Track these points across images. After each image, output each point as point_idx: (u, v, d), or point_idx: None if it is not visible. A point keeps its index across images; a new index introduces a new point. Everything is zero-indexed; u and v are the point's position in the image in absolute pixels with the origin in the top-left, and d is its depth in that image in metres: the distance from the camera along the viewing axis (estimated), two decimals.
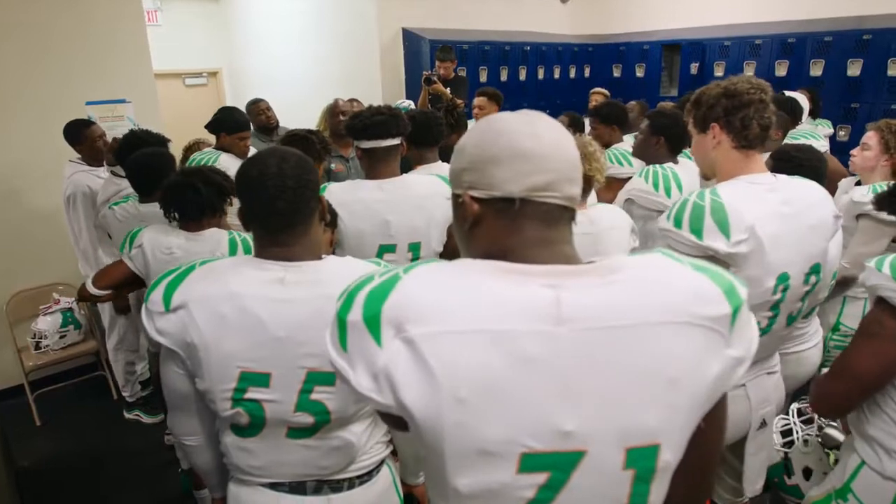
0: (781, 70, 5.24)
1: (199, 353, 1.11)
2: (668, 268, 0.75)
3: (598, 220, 1.99)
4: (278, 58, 6.23)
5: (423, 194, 1.96)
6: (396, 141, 1.93)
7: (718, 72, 5.63)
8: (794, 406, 1.99)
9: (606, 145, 3.04)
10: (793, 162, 1.93)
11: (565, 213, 0.76)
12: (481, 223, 0.76)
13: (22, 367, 3.30)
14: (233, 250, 1.93)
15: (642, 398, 0.70)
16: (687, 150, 2.71)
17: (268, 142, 3.98)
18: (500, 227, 0.75)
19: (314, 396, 1.14)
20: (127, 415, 3.32)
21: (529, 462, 0.69)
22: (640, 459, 0.71)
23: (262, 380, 1.13)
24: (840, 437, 1.66)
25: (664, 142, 2.49)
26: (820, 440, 1.74)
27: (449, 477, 0.70)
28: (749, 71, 5.43)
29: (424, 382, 0.66)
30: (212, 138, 3.37)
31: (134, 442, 3.12)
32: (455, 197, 0.80)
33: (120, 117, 3.87)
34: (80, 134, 3.18)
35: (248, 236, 2.02)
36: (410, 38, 5.23)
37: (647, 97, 5.78)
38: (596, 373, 0.69)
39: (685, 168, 2.54)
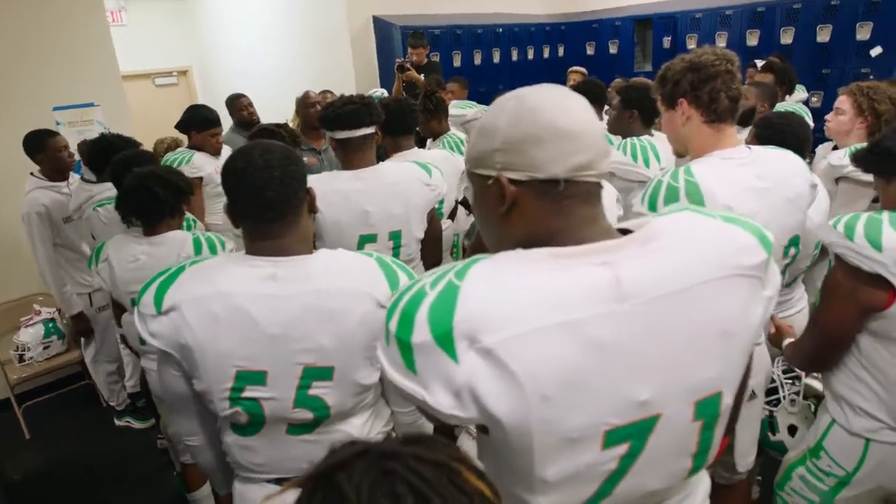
0: (753, 39, 5.27)
1: (193, 354, 1.10)
2: (703, 224, 0.78)
3: None
4: (249, 52, 6.14)
5: (399, 181, 1.95)
6: (370, 130, 1.91)
7: (691, 44, 5.64)
8: (780, 361, 2.03)
9: None
10: (774, 128, 1.91)
11: (600, 189, 0.76)
12: (519, 206, 0.74)
13: (7, 380, 3.25)
14: (197, 250, 1.93)
15: (703, 354, 0.73)
16: None
17: (247, 137, 3.94)
18: (544, 209, 0.73)
19: (312, 392, 1.14)
20: (118, 422, 3.29)
21: (612, 437, 0.71)
22: (707, 408, 0.76)
23: (259, 378, 1.12)
24: (819, 386, 1.69)
25: (637, 115, 2.50)
26: (803, 397, 1.77)
27: (536, 470, 0.70)
28: (721, 42, 5.45)
29: (509, 389, 0.65)
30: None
31: (126, 448, 3.10)
32: (481, 179, 0.76)
33: (89, 122, 3.79)
34: (42, 144, 2.98)
35: (214, 235, 2.01)
36: (381, 26, 5.18)
37: (621, 73, 5.77)
38: (661, 340, 0.71)
39: (660, 139, 2.55)
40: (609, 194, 2.13)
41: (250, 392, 1.13)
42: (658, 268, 0.71)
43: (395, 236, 1.96)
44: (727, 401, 0.77)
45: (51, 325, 3.38)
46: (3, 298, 3.45)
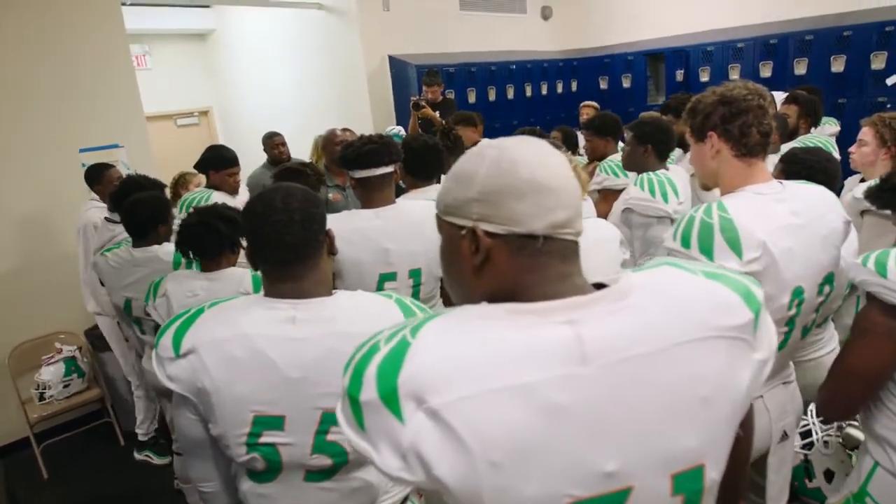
0: (766, 71, 5.29)
1: (210, 397, 1.09)
2: (681, 280, 0.74)
3: (584, 236, 1.98)
4: (267, 92, 6.29)
5: (419, 219, 1.95)
6: (390, 169, 1.93)
7: (704, 77, 5.69)
8: (812, 407, 1.97)
9: (601, 157, 3.06)
10: (802, 164, 1.89)
11: (576, 247, 0.74)
12: (492, 259, 0.71)
13: (27, 419, 3.26)
14: (256, 287, 1.93)
15: (680, 422, 0.68)
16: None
17: None
18: (518, 264, 0.70)
19: (331, 437, 1.12)
20: (137, 455, 3.28)
21: None
22: (687, 482, 0.69)
23: (277, 423, 1.10)
24: (860, 435, 1.63)
25: (652, 150, 2.50)
26: (840, 440, 1.71)
27: None
28: (734, 74, 5.48)
29: (456, 453, 0.62)
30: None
31: (143, 487, 3.07)
32: (453, 228, 0.73)
33: (115, 162, 3.89)
34: (99, 176, 3.30)
35: None
36: (396, 65, 5.29)
37: (635, 107, 5.84)
38: (629, 406, 0.66)
39: (677, 173, 2.54)
40: (610, 239, 2.12)
41: (268, 437, 1.11)
42: (628, 327, 0.67)
43: (415, 274, 1.96)
44: (712, 475, 0.71)
45: (71, 363, 3.41)
46: (25, 337, 3.49)
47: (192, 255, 1.97)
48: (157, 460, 3.23)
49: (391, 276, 1.92)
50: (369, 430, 0.65)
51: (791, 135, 3.29)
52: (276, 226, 1.10)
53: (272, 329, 1.10)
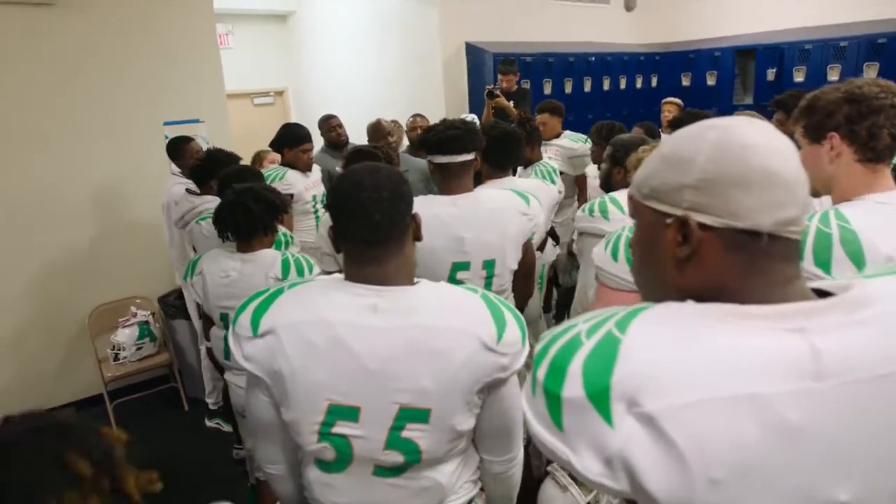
0: (871, 73, 4.89)
1: (285, 381, 1.06)
2: None
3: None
4: (342, 75, 6.35)
5: (496, 209, 1.89)
6: (471, 156, 1.87)
7: (798, 77, 5.33)
8: None
9: None
10: None
11: (797, 246, 0.66)
12: (701, 254, 0.64)
13: (102, 377, 3.43)
14: (285, 271, 1.94)
15: None
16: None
17: (338, 157, 4.04)
18: (732, 263, 0.63)
19: (405, 434, 1.07)
20: (208, 422, 3.38)
21: None
22: None
23: (351, 414, 1.06)
24: None
25: None
26: None
27: None
28: (833, 76, 5.11)
29: (671, 465, 0.55)
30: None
31: (205, 452, 3.17)
32: (656, 215, 0.67)
33: (195, 136, 4.00)
34: (179, 149, 3.39)
35: (303, 257, 2.02)
36: (473, 52, 5.21)
37: (719, 105, 5.55)
38: (867, 431, 0.58)
39: None
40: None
41: (341, 428, 1.07)
42: (867, 342, 0.58)
43: (489, 265, 1.89)
44: None
45: (145, 327, 3.55)
46: (105, 299, 3.66)
47: (228, 235, 1.99)
48: (226, 427, 3.31)
49: (464, 266, 1.87)
50: (568, 429, 0.59)
51: None
52: (364, 202, 1.05)
53: (353, 316, 1.05)
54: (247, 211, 1.91)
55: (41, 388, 3.49)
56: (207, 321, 2.16)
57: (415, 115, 4.13)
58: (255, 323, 1.08)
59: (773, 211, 0.61)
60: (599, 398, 0.57)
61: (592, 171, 3.42)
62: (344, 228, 1.10)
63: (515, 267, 1.96)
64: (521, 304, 2.15)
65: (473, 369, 1.04)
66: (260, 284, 1.92)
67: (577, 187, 3.83)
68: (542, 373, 0.62)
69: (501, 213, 1.88)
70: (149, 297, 3.76)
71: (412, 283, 1.12)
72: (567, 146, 3.83)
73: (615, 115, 6.01)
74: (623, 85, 6.12)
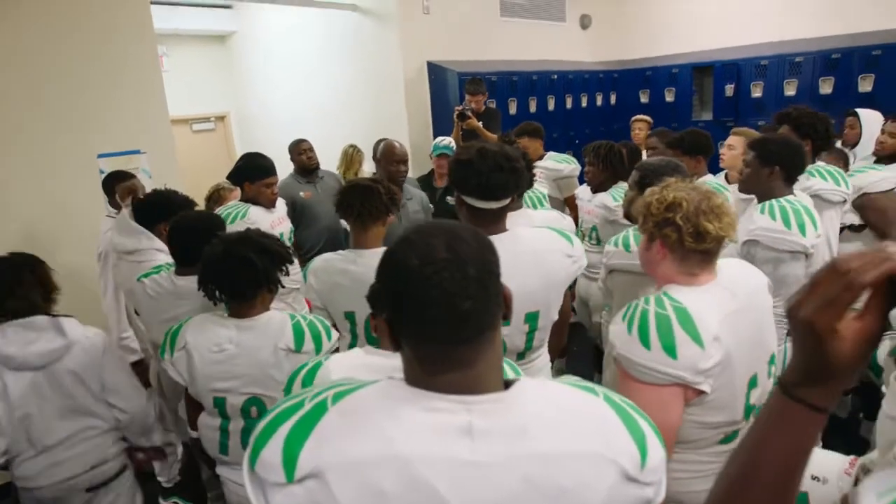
0: (826, 87, 4.98)
1: None
2: None
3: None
4: (291, 98, 5.94)
5: (538, 250, 1.60)
6: (510, 198, 1.57)
7: (756, 92, 5.38)
8: None
9: None
10: None
11: None
12: None
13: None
14: (299, 341, 1.57)
15: None
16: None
17: (304, 182, 3.69)
18: None
19: None
20: (163, 503, 2.89)
21: None
22: None
23: None
24: None
25: (779, 172, 2.15)
26: None
27: None
28: (790, 90, 5.18)
29: None
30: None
31: None
32: None
33: (135, 170, 3.53)
34: (111, 188, 2.96)
35: (316, 318, 1.65)
36: (436, 72, 4.95)
37: (678, 122, 5.52)
38: None
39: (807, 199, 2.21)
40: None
41: None
42: None
43: (532, 318, 1.60)
44: None
45: None
46: None
47: (219, 296, 1.60)
48: None
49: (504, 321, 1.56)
50: None
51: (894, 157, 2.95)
52: (446, 285, 0.73)
53: (437, 446, 0.73)
54: (249, 265, 1.54)
55: None
56: (194, 407, 1.73)
57: (390, 142, 3.68)
58: (289, 461, 0.73)
59: None
60: None
61: (584, 194, 3.20)
62: (413, 322, 0.76)
63: (556, 317, 1.67)
64: (553, 358, 1.86)
65: None
66: (268, 359, 1.54)
67: (566, 209, 3.61)
68: None
69: (544, 255, 1.60)
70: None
71: (502, 386, 0.80)
72: (552, 167, 3.62)
73: (578, 134, 5.93)
74: (584, 103, 6.03)
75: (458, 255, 0.74)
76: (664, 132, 3.46)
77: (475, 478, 0.72)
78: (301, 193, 3.65)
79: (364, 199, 1.87)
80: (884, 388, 1.94)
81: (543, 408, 0.78)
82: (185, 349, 1.60)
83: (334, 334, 1.64)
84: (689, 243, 1.29)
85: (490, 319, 0.77)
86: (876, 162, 2.99)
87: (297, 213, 3.52)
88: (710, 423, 1.28)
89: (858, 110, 3.44)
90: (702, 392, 1.22)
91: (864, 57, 4.78)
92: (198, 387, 1.61)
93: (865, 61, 4.78)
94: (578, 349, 3.58)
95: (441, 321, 0.73)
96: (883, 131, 2.99)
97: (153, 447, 2.04)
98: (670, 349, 1.19)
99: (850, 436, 2.42)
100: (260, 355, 1.56)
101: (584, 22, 6.37)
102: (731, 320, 1.23)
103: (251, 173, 2.97)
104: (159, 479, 2.89)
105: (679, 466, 1.29)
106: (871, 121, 3.27)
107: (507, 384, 0.80)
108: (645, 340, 1.21)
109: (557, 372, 2.94)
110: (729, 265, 1.41)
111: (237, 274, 1.54)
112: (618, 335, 1.26)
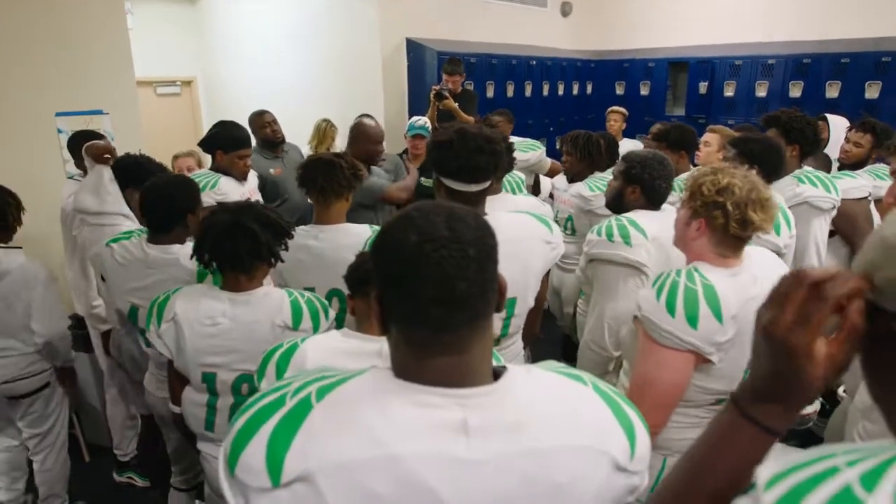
0: (796, 91, 5.11)
1: None
2: None
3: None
4: (263, 67, 5.76)
5: (517, 238, 1.57)
6: (490, 181, 1.55)
7: (728, 91, 5.48)
8: None
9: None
10: None
11: None
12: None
13: None
14: (297, 317, 1.52)
15: None
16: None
17: (272, 158, 3.55)
18: None
19: None
20: (118, 477, 2.81)
21: None
22: None
23: None
24: None
25: (758, 171, 2.18)
26: None
27: None
28: (761, 92, 5.29)
29: None
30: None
31: None
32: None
33: (96, 130, 3.36)
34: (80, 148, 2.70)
35: (314, 296, 1.60)
36: (415, 49, 4.87)
37: (651, 115, 5.59)
38: None
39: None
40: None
41: None
42: None
43: (510, 305, 1.59)
44: None
45: None
46: None
47: (216, 266, 1.54)
48: (140, 482, 2.77)
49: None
50: None
51: (857, 165, 3.03)
52: (445, 266, 0.69)
53: (432, 445, 0.69)
54: (251, 236, 1.48)
55: None
56: (178, 381, 1.65)
57: (362, 119, 3.58)
58: (274, 465, 0.68)
59: None
60: None
61: (560, 183, 3.21)
62: (407, 302, 0.72)
63: (532, 304, 1.67)
64: (526, 344, 1.87)
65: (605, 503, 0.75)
66: (264, 335, 1.49)
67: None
68: None
69: (524, 242, 1.58)
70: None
71: (491, 374, 0.77)
72: (520, 158, 3.59)
73: (553, 122, 5.93)
74: (561, 91, 6.03)
75: (458, 234, 0.71)
76: (749, 127, 3.24)
77: (471, 476, 0.70)
78: (271, 170, 3.52)
79: (326, 174, 1.83)
80: (841, 390, 2.02)
81: (535, 400, 0.76)
82: (174, 320, 1.52)
83: (331, 313, 1.60)
84: (733, 229, 1.36)
85: (484, 306, 0.74)
86: (839, 169, 3.07)
87: (267, 189, 3.41)
88: (710, 388, 1.40)
89: (828, 115, 3.53)
90: (709, 361, 1.35)
91: (833, 64, 4.91)
92: (186, 360, 1.54)
93: (834, 68, 4.91)
94: (545, 336, 3.61)
95: (435, 301, 0.70)
96: (847, 140, 3.06)
97: (63, 367, 2.33)
98: (693, 320, 1.31)
99: (806, 435, 2.49)
100: (255, 330, 1.50)
101: (565, 9, 6.35)
102: (749, 304, 1.31)
103: (225, 143, 2.84)
104: (115, 452, 2.81)
105: (675, 419, 1.42)
106: (838, 126, 3.36)
107: (496, 373, 0.79)
108: (671, 308, 1.33)
109: (527, 359, 2.96)
110: (756, 253, 1.49)
111: (238, 244, 1.48)
112: (647, 299, 1.37)
